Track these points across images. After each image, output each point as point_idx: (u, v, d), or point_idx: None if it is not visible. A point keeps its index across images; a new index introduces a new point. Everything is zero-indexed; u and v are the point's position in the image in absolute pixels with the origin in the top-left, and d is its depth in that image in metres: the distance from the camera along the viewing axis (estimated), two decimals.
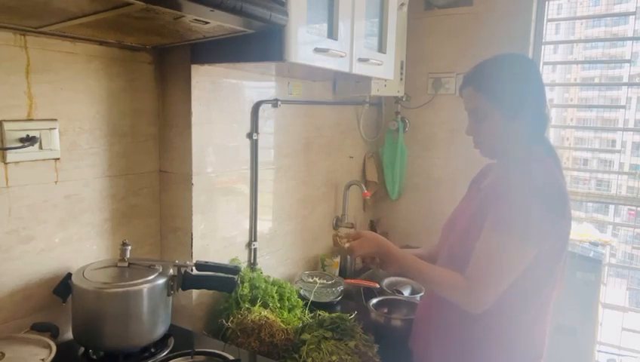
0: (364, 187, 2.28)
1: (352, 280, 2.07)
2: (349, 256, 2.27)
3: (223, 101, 1.60)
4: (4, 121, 1.15)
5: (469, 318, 1.18)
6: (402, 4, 2.22)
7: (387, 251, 1.32)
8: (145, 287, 1.22)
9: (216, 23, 1.06)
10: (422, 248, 1.61)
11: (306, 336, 1.42)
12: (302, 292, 1.85)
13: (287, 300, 1.67)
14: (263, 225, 1.87)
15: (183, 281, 1.31)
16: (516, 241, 1.12)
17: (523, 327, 1.19)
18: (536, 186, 1.13)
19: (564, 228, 1.18)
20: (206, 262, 1.38)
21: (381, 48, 1.74)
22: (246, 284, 1.61)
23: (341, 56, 1.45)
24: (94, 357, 1.27)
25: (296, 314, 1.64)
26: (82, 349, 1.28)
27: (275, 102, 1.80)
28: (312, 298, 1.80)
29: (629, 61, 2.36)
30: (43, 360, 1.07)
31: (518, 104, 1.20)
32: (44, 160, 1.25)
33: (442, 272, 1.23)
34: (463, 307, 1.17)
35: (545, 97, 1.26)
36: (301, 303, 1.71)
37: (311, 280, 1.94)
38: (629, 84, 2.40)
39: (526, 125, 1.22)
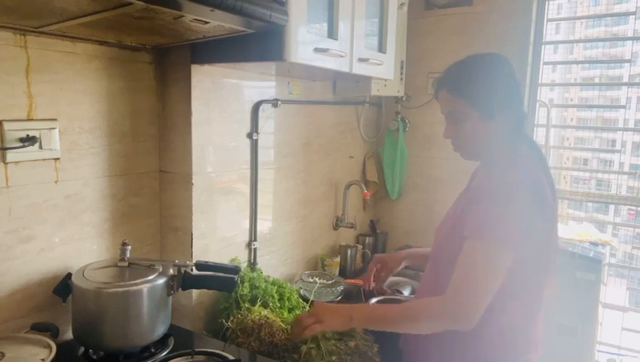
0: (364, 187, 2.28)
1: (352, 280, 2.07)
2: (348, 259, 2.28)
3: (223, 101, 1.60)
4: (4, 120, 1.15)
5: None
6: (402, 4, 2.22)
7: (359, 314, 1.19)
8: (145, 287, 1.22)
9: (216, 22, 1.06)
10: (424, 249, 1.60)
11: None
12: (302, 292, 1.85)
13: (287, 300, 1.67)
14: (263, 225, 1.87)
15: (183, 281, 1.31)
16: (493, 249, 1.10)
17: (514, 326, 1.19)
18: (512, 188, 1.12)
19: (544, 226, 1.17)
20: (206, 262, 1.38)
21: (381, 48, 1.74)
22: (246, 284, 1.61)
23: (341, 56, 1.45)
24: (94, 357, 1.27)
25: (296, 314, 1.64)
26: (82, 349, 1.28)
27: (275, 102, 1.80)
28: (312, 298, 1.80)
29: (629, 61, 2.36)
30: (43, 360, 1.07)
31: (493, 103, 1.19)
32: (44, 160, 1.25)
33: (416, 305, 1.17)
34: (453, 328, 1.11)
35: (520, 94, 1.26)
36: (301, 303, 1.71)
37: (311, 280, 1.94)
38: (629, 84, 2.40)
39: (504, 123, 1.21)
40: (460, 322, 1.10)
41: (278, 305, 1.62)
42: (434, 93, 1.30)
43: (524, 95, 2.27)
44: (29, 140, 1.18)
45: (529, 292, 1.21)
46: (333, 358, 1.33)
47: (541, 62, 2.31)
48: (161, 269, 1.29)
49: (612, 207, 2.61)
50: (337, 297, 1.88)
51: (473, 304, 1.09)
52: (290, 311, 1.65)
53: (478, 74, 1.22)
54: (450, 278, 1.13)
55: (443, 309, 1.11)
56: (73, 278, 1.23)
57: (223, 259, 1.66)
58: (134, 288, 1.20)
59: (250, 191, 1.78)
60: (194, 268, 1.36)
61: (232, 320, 1.49)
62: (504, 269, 1.11)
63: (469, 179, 1.42)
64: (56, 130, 1.26)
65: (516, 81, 1.24)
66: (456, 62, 1.26)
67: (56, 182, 1.28)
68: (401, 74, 2.36)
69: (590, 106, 2.90)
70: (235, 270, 1.38)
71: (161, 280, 1.26)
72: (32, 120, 1.21)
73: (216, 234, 1.65)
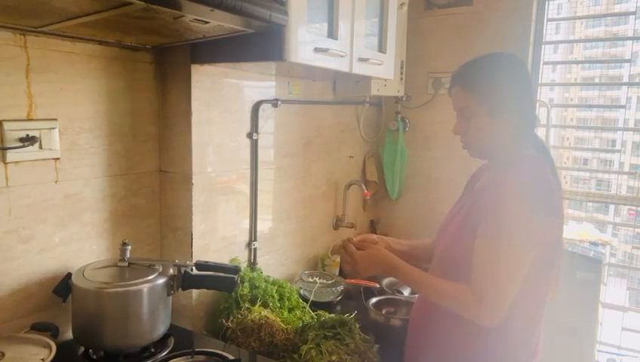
0: (364, 187, 2.28)
1: (352, 280, 2.07)
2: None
3: (223, 101, 1.60)
4: (4, 120, 1.15)
5: (462, 321, 1.18)
6: (402, 4, 2.22)
7: (392, 267, 1.30)
8: (145, 287, 1.22)
9: (216, 22, 1.06)
10: (419, 241, 1.58)
11: (306, 336, 1.42)
12: (302, 292, 1.85)
13: (287, 300, 1.67)
14: (263, 225, 1.87)
15: (183, 281, 1.31)
16: (515, 249, 1.11)
17: (517, 329, 1.19)
18: (524, 190, 1.13)
19: (554, 228, 1.17)
20: (206, 262, 1.38)
21: (381, 48, 1.74)
22: (246, 284, 1.61)
23: (341, 56, 1.45)
24: (94, 357, 1.27)
25: (296, 314, 1.64)
26: (82, 349, 1.28)
27: (275, 102, 1.80)
28: (312, 298, 1.80)
29: (629, 61, 2.36)
30: (43, 359, 1.07)
31: (504, 102, 1.20)
32: (44, 160, 1.25)
33: (448, 285, 1.20)
34: (476, 321, 1.14)
35: (533, 96, 1.26)
36: (301, 303, 1.71)
37: (311, 279, 1.94)
38: (629, 84, 2.40)
39: (513, 124, 1.21)
40: (490, 319, 1.13)
41: (278, 305, 1.62)
42: (448, 88, 1.31)
43: (536, 97, 2.27)
44: (29, 140, 1.18)
45: (538, 295, 1.21)
46: (333, 358, 1.33)
47: (541, 62, 2.31)
48: (161, 269, 1.29)
49: (612, 207, 2.61)
50: (337, 297, 1.89)
51: (503, 304, 1.12)
52: (290, 311, 1.65)
53: (490, 72, 1.22)
54: (474, 276, 1.14)
55: (475, 305, 1.13)
56: (73, 278, 1.23)
57: (223, 259, 1.66)
58: (134, 288, 1.20)
59: (250, 191, 1.78)
60: (194, 268, 1.36)
61: (232, 320, 1.49)
62: (524, 270, 1.12)
63: (470, 180, 1.42)
64: (56, 130, 1.26)
65: (528, 83, 1.25)
66: (471, 60, 1.26)
67: (56, 182, 1.28)
68: (401, 74, 2.35)
69: (590, 106, 2.89)
70: (235, 270, 1.38)
71: (161, 280, 1.26)
72: (32, 120, 1.21)
73: (216, 234, 1.65)
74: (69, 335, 1.28)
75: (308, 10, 1.28)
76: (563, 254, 1.26)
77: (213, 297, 1.63)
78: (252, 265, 1.82)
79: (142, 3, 0.87)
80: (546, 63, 2.34)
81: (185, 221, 1.55)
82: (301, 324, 1.52)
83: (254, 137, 1.74)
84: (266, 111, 1.80)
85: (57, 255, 1.31)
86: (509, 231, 1.11)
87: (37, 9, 0.96)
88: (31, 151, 1.20)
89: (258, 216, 1.81)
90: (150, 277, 1.24)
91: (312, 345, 1.37)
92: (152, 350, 1.29)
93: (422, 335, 1.34)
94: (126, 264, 1.29)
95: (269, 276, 1.76)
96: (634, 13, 2.21)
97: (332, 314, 1.63)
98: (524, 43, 2.24)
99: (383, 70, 1.74)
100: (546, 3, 2.28)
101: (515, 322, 1.19)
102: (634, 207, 2.39)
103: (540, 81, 2.35)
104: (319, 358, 1.33)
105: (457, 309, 1.18)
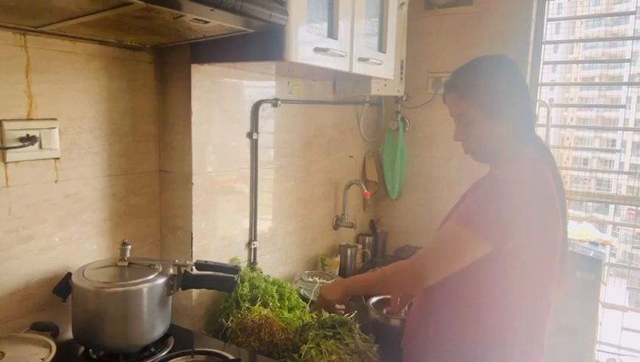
0: (364, 187, 2.28)
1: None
2: (348, 259, 2.28)
3: (223, 100, 1.60)
4: (4, 120, 1.15)
5: (460, 319, 1.18)
6: (402, 4, 2.22)
7: (348, 282, 1.41)
8: (145, 287, 1.22)
9: (216, 22, 1.06)
10: None
11: (306, 336, 1.42)
12: (302, 291, 1.85)
13: (287, 300, 1.67)
14: (263, 225, 1.87)
15: (183, 281, 1.31)
16: (467, 233, 1.15)
17: (515, 328, 1.19)
18: (506, 185, 1.14)
19: (544, 227, 1.17)
20: (206, 262, 1.38)
21: (381, 48, 1.74)
22: (246, 284, 1.61)
23: (341, 56, 1.45)
24: (94, 356, 1.27)
25: (296, 313, 1.64)
26: (82, 349, 1.28)
27: (275, 102, 1.80)
28: (312, 298, 1.80)
29: (629, 61, 2.36)
30: (43, 359, 1.07)
31: (500, 104, 1.21)
32: (44, 159, 1.25)
33: (387, 267, 1.30)
34: (409, 280, 1.23)
35: (528, 95, 1.27)
36: (301, 303, 1.71)
37: (311, 279, 1.94)
38: (629, 84, 2.40)
39: (512, 124, 1.22)
40: (415, 276, 1.21)
41: (278, 304, 1.62)
42: (442, 96, 1.31)
43: (532, 96, 2.27)
44: (28, 140, 1.18)
45: (535, 296, 1.21)
46: (333, 358, 1.33)
47: (541, 62, 2.31)
48: (161, 269, 1.29)
49: (612, 207, 2.61)
50: None
51: (429, 265, 1.20)
52: (290, 310, 1.65)
53: (484, 76, 1.23)
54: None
55: (405, 264, 1.24)
56: (73, 278, 1.23)
57: (223, 259, 1.66)
58: (134, 288, 1.20)
59: (250, 190, 1.78)
60: (194, 267, 1.36)
61: (232, 320, 1.49)
62: (470, 256, 1.16)
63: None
64: (56, 130, 1.26)
65: (523, 82, 1.25)
66: (463, 65, 1.27)
67: (56, 181, 1.28)
68: (401, 73, 2.36)
69: (590, 106, 2.90)
70: (235, 270, 1.38)
71: (161, 280, 1.26)
72: (32, 119, 1.21)
73: (216, 233, 1.65)
74: (69, 334, 1.28)
75: (308, 10, 1.28)
76: (568, 254, 1.27)
77: (213, 297, 1.63)
78: (252, 264, 1.82)
79: (142, 3, 0.87)
80: (546, 63, 2.34)
81: (185, 221, 1.55)
82: (301, 324, 1.52)
83: (254, 137, 1.74)
84: (266, 111, 1.80)
85: (57, 255, 1.31)
86: (472, 219, 1.15)
87: (37, 9, 0.96)
88: (31, 151, 1.20)
89: (258, 215, 1.81)
90: (150, 277, 1.24)
91: (311, 345, 1.37)
92: (152, 349, 1.29)
93: (418, 333, 1.34)
94: (126, 264, 1.29)
95: (268, 276, 1.76)
96: (634, 13, 2.21)
97: (332, 314, 1.63)
98: (524, 43, 2.24)
99: (383, 70, 1.74)
100: (546, 3, 2.28)
101: (512, 321, 1.19)
102: (634, 207, 2.40)
103: (540, 81, 2.35)
104: (319, 358, 1.33)
105: (397, 278, 1.28)
